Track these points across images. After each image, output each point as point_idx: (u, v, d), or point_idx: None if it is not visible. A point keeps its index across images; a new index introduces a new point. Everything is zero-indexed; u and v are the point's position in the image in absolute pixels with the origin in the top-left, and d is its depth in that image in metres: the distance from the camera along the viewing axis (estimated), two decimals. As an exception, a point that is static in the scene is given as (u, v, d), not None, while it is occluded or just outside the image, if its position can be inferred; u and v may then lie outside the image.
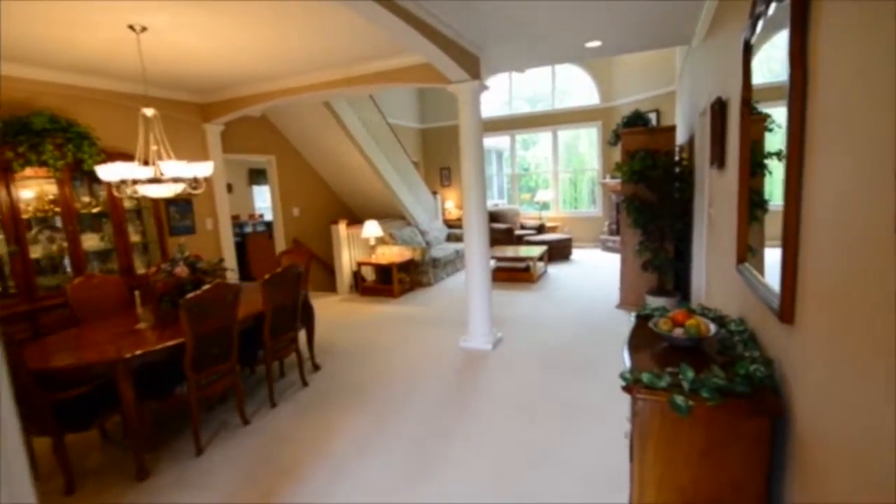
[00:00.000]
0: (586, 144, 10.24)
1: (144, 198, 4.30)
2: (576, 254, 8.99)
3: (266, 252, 7.17)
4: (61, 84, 3.94)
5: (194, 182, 3.41)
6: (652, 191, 4.85)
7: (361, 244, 6.96)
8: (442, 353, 4.38)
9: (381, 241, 6.93)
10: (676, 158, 4.98)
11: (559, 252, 8.56)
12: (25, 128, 3.40)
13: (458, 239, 8.52)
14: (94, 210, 3.93)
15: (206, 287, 2.84)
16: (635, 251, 5.07)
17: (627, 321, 5.06)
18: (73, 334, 2.96)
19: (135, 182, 3.07)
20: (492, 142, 11.02)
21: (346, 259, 6.59)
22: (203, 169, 3.36)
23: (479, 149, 4.29)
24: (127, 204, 4.15)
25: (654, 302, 4.96)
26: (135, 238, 4.24)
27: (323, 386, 3.78)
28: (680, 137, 5.36)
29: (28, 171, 3.48)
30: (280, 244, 6.61)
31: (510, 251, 7.45)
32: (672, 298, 4.76)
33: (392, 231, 7.08)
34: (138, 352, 2.67)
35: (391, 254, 6.75)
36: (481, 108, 4.25)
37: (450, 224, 9.58)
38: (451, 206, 10.38)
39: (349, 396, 3.60)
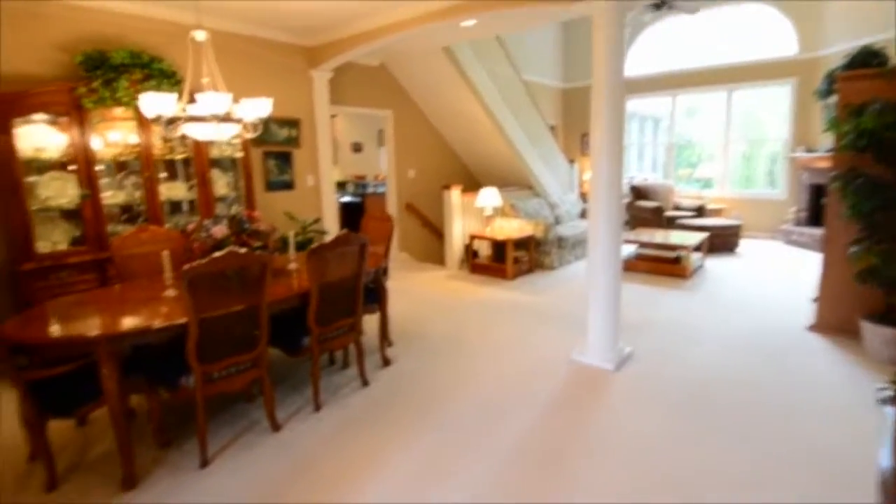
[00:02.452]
0: (771, 108, 7.16)
1: (237, 147, 3.71)
2: (744, 245, 6.40)
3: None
4: (148, 18, 3.44)
5: (250, 126, 2.53)
6: (888, 164, 2.62)
7: (478, 214, 5.72)
8: (547, 365, 2.98)
9: (499, 211, 5.59)
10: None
11: (722, 242, 6.12)
12: (104, 62, 2.93)
13: (595, 216, 6.69)
14: (178, 157, 3.43)
15: (215, 255, 1.94)
16: (848, 253, 2.88)
17: (827, 352, 3.10)
18: (93, 296, 2.38)
19: (171, 121, 2.28)
20: (647, 106, 8.58)
21: (458, 230, 5.44)
22: (254, 107, 2.44)
23: (616, 95, 2.73)
24: (215, 152, 3.58)
25: (877, 333, 2.86)
26: (223, 191, 3.69)
27: (386, 389, 2.73)
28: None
29: (116, 111, 3.04)
30: (392, 208, 5.76)
31: (658, 236, 5.44)
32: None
33: (514, 202, 5.66)
34: (128, 330, 1.91)
35: (509, 228, 5.38)
36: (631, 61, 2.72)
37: (587, 198, 7.71)
38: (590, 177, 8.43)
39: (414, 409, 2.52)
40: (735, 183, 7.67)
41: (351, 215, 6.78)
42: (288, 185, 4.43)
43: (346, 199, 7.20)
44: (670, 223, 6.76)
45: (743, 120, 7.57)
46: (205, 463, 2.06)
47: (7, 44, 2.90)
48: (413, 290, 4.67)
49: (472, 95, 5.25)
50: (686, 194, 7.76)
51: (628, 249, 5.27)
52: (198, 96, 2.27)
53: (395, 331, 3.52)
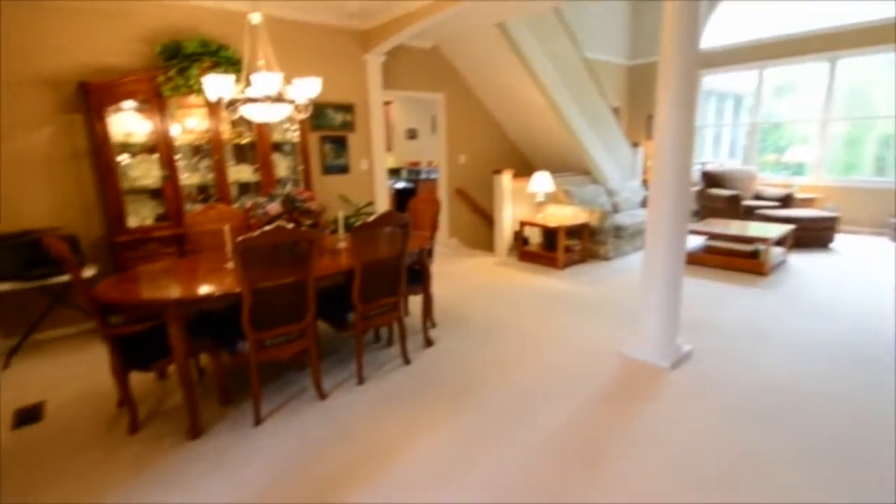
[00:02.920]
0: (884, 81, 6.18)
1: (296, 132, 3.95)
2: (840, 241, 5.71)
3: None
4: (216, 8, 3.70)
5: (302, 106, 2.69)
6: None
7: (530, 200, 5.63)
8: (594, 358, 2.90)
9: (552, 198, 5.46)
10: None
11: (813, 236, 5.50)
12: (179, 52, 3.24)
13: (659, 204, 6.30)
14: (246, 140, 3.72)
15: (266, 228, 2.11)
16: None
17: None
18: (167, 265, 2.67)
19: (231, 104, 2.49)
20: (727, 82, 7.82)
21: (508, 216, 5.39)
22: (304, 87, 2.59)
23: (688, 68, 2.51)
24: (277, 137, 3.84)
25: None
26: (284, 173, 3.95)
27: (427, 369, 2.82)
28: None
29: (191, 98, 3.36)
30: (442, 194, 5.82)
31: (733, 227, 5.02)
32: None
33: (568, 187, 5.50)
34: (189, 296, 2.14)
35: (562, 215, 5.23)
36: (710, 30, 2.33)
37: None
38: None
39: (453, 391, 2.57)
40: (833, 169, 6.81)
41: (404, 200, 6.95)
42: (343, 169, 4.65)
43: (400, 185, 7.39)
44: (748, 213, 6.20)
45: (847, 95, 6.64)
46: (258, 421, 2.29)
47: (101, 39, 3.29)
48: (460, 275, 4.73)
49: (528, 76, 5.12)
50: (770, 182, 7.04)
51: (695, 241, 4.92)
52: (252, 77, 2.45)
53: (440, 314, 3.61)
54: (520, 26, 4.88)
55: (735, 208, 6.22)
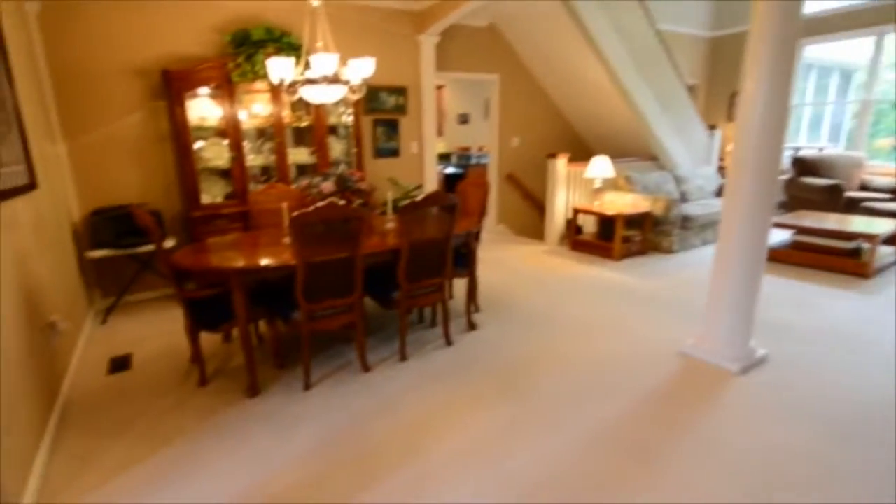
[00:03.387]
0: None
1: (350, 115, 4.13)
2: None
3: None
4: None
5: (356, 87, 2.82)
6: None
7: (585, 186, 5.44)
8: (650, 355, 2.81)
9: (611, 184, 5.24)
10: None
11: (934, 234, 4.80)
12: (246, 39, 3.50)
13: (736, 193, 5.82)
14: (304, 123, 3.96)
15: (318, 205, 2.27)
16: None
17: None
18: (233, 238, 2.95)
19: (291, 85, 2.67)
20: (833, 52, 6.93)
21: (561, 202, 5.26)
22: (359, 68, 2.71)
23: (785, 35, 2.25)
24: (332, 120, 4.04)
25: None
26: (338, 156, 4.16)
27: (470, 352, 2.90)
28: None
29: (258, 84, 3.64)
30: (492, 179, 5.79)
31: (830, 220, 4.53)
32: None
33: (630, 173, 5.24)
34: (249, 266, 2.37)
35: (621, 203, 5.02)
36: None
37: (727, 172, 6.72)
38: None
39: (496, 375, 2.63)
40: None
41: (453, 185, 7.01)
42: (394, 152, 4.80)
43: (450, 169, 7.45)
44: (851, 206, 5.57)
45: None
46: (308, 387, 2.50)
47: (180, 30, 3.64)
48: (507, 262, 4.72)
49: (591, 53, 4.89)
50: (881, 170, 6.21)
51: (778, 235, 4.51)
52: (311, 58, 2.61)
53: (485, 299, 3.66)
54: None
55: (834, 200, 5.61)
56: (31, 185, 2.50)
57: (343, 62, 2.72)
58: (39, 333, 2.22)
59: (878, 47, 6.17)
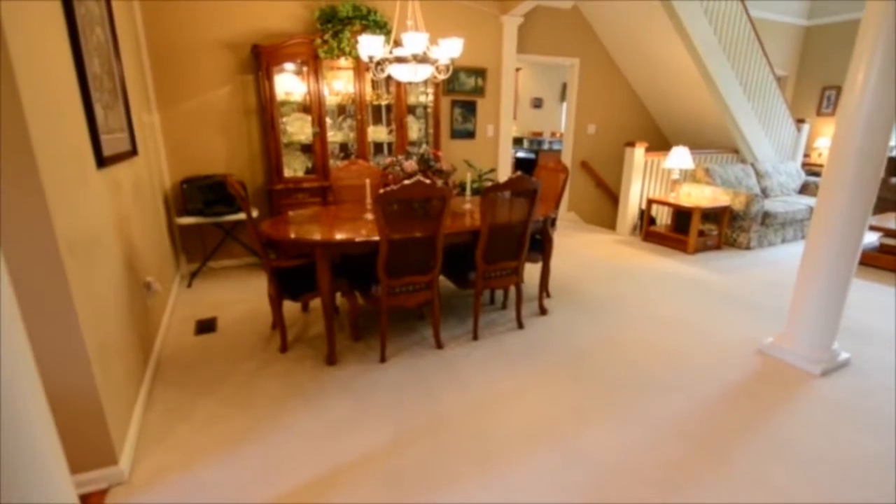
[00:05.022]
0: None
1: (427, 95, 3.94)
2: None
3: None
4: None
5: (443, 67, 2.61)
6: None
7: (661, 177, 4.98)
8: (727, 351, 2.52)
9: (688, 176, 4.76)
10: None
11: None
12: (334, 16, 3.37)
13: (824, 193, 5.14)
14: (384, 102, 3.81)
15: (405, 183, 2.10)
16: None
17: None
18: (317, 211, 2.86)
19: (378, 63, 2.51)
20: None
21: (636, 192, 4.84)
22: (447, 48, 2.50)
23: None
24: (412, 100, 3.86)
25: None
26: (415, 136, 3.99)
27: (539, 336, 2.69)
28: None
29: (342, 61, 3.52)
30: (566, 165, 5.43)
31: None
32: None
33: (710, 166, 4.73)
34: (336, 239, 2.26)
35: (699, 195, 4.54)
36: None
37: (814, 170, 5.98)
38: (824, 144, 6.46)
39: (566, 360, 2.43)
40: None
41: (523, 170, 6.68)
42: (470, 134, 4.57)
43: (521, 154, 7.13)
44: (954, 211, 4.77)
45: None
46: (383, 359, 2.40)
47: (268, 5, 3.56)
48: (578, 250, 4.42)
49: (679, 39, 4.41)
50: None
51: (867, 237, 3.92)
52: (403, 36, 2.43)
53: (555, 286, 3.42)
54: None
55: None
56: (132, 152, 2.52)
57: (431, 41, 2.52)
58: (137, 291, 2.24)
59: None
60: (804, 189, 5.38)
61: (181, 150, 3.59)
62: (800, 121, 5.65)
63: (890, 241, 3.96)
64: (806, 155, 6.11)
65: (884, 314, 3.03)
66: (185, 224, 3.42)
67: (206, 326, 2.84)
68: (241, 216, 3.37)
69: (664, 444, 1.81)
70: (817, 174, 5.94)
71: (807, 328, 2.37)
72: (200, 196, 3.42)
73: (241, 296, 3.29)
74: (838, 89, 6.36)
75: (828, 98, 6.52)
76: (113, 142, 2.11)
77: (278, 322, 2.50)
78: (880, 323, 2.90)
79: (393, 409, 2.01)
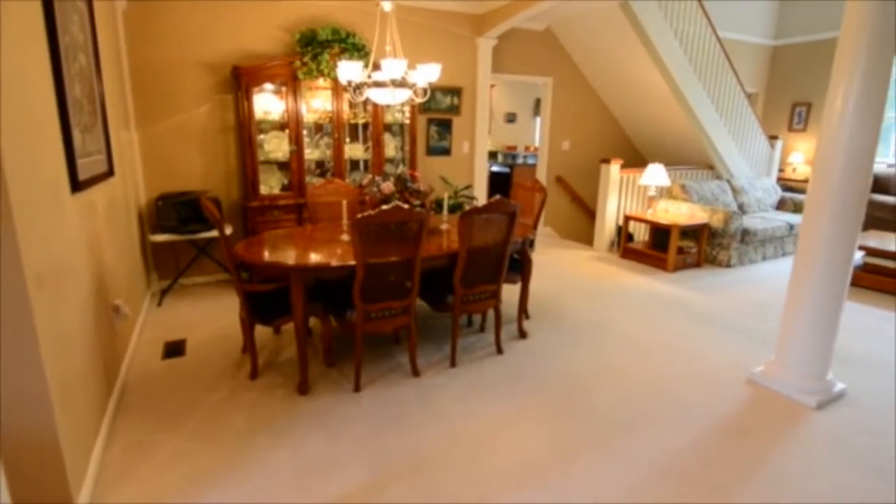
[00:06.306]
0: None
1: (404, 114, 3.98)
2: None
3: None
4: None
5: (420, 91, 2.65)
6: None
7: (638, 193, 5.10)
8: (716, 379, 2.53)
9: (665, 192, 4.88)
10: None
11: None
12: (313, 39, 3.39)
13: (800, 209, 5.32)
14: (361, 121, 3.83)
15: (384, 207, 2.11)
16: None
17: None
18: (292, 232, 2.84)
19: (357, 87, 2.53)
20: None
21: (612, 208, 4.93)
22: (425, 72, 2.53)
23: (882, 40, 1.99)
24: (388, 118, 3.89)
25: None
26: (392, 153, 4.02)
27: (520, 361, 2.69)
28: None
29: (320, 81, 3.53)
30: (541, 180, 5.50)
31: (902, 242, 4.04)
32: None
33: (686, 182, 4.86)
34: (313, 264, 2.25)
35: (676, 212, 4.65)
36: None
37: (789, 186, 6.20)
38: (797, 159, 6.71)
39: (549, 390, 2.41)
40: None
41: (498, 185, 6.78)
42: (445, 151, 4.62)
43: (495, 168, 7.22)
44: (921, 227, 4.98)
45: None
46: (358, 388, 2.36)
47: (251, 28, 3.59)
48: (554, 266, 4.47)
49: (650, 59, 4.56)
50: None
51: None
52: (382, 62, 2.46)
53: (533, 304, 3.43)
54: (647, 4, 4.33)
55: (904, 220, 5.03)
56: (109, 173, 2.47)
57: (407, 64, 2.56)
58: (105, 316, 2.18)
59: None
60: (781, 205, 5.55)
61: (158, 167, 3.55)
62: (773, 137, 5.87)
63: (873, 261, 4.03)
64: (780, 170, 6.33)
65: (875, 338, 3.04)
66: (159, 241, 3.36)
67: (174, 349, 2.77)
68: (216, 233, 3.33)
69: (658, 486, 1.76)
70: (793, 189, 6.15)
71: (799, 356, 2.34)
72: (175, 213, 3.36)
73: (212, 315, 3.23)
74: (808, 105, 6.64)
75: (798, 114, 6.79)
76: (90, 165, 2.06)
77: (249, 346, 2.45)
78: (873, 348, 2.90)
79: (369, 447, 1.95)
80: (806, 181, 6.35)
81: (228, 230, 3.44)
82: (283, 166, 3.72)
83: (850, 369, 2.59)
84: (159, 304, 3.42)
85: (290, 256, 2.37)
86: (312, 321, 2.94)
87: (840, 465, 1.89)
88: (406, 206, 2.20)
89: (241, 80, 3.35)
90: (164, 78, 3.43)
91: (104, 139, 2.40)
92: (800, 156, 6.74)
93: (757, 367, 2.55)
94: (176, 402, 2.24)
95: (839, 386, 2.38)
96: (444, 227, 2.93)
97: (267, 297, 2.47)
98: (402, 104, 3.74)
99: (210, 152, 3.68)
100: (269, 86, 3.54)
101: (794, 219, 4.93)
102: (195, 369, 2.54)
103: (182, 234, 3.34)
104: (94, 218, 2.15)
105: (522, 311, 3.04)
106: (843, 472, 1.85)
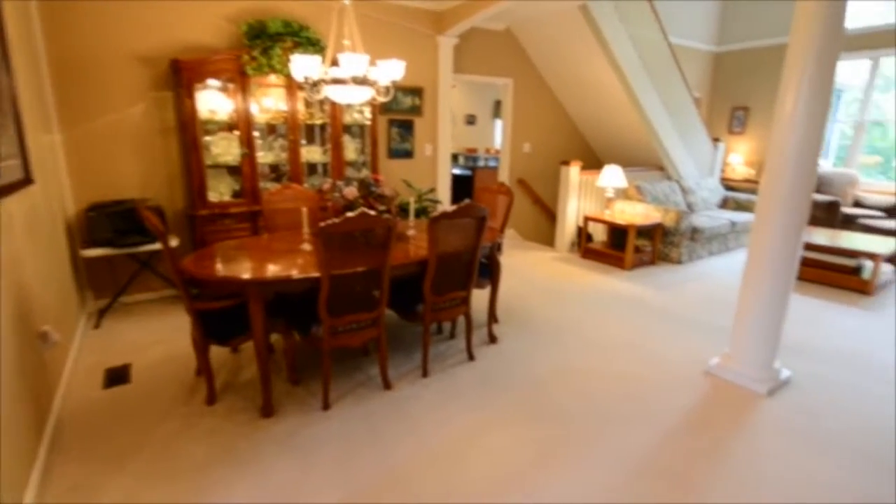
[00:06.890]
0: None
1: (364, 114, 3.87)
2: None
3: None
4: None
5: (383, 89, 2.57)
6: None
7: (596, 195, 5.28)
8: (676, 373, 2.65)
9: (622, 193, 5.08)
10: None
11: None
12: (263, 31, 3.20)
13: (741, 207, 5.74)
14: (319, 121, 3.68)
15: (348, 216, 2.02)
16: None
17: None
18: (247, 242, 2.67)
19: (315, 84, 2.41)
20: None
21: (573, 210, 5.08)
22: (387, 70, 2.46)
23: (828, 40, 2.13)
24: (347, 119, 3.77)
25: None
26: (352, 156, 3.89)
27: (491, 367, 2.69)
28: None
29: (272, 78, 3.34)
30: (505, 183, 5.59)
31: (831, 237, 4.45)
32: None
33: (640, 184, 5.09)
34: (272, 277, 2.12)
35: (632, 212, 4.86)
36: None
37: (730, 185, 6.65)
38: (737, 160, 7.22)
39: (521, 395, 2.42)
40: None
41: (460, 187, 6.78)
42: (408, 154, 4.55)
43: (457, 171, 7.22)
44: (848, 223, 5.52)
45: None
46: (326, 406, 2.25)
47: (192, 17, 3.32)
48: (519, 268, 4.53)
49: (607, 62, 4.73)
50: (873, 188, 6.20)
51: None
52: (340, 56, 2.35)
53: (500, 306, 3.44)
54: (604, 6, 4.48)
55: (832, 217, 5.54)
56: (26, 181, 2.19)
57: (369, 61, 2.47)
58: (30, 346, 1.93)
59: (873, 69, 6.16)
60: (724, 204, 5.97)
61: (87, 174, 3.21)
62: (716, 139, 6.29)
63: (808, 254, 4.35)
64: (723, 171, 6.79)
65: (812, 327, 3.30)
66: (93, 256, 3.03)
67: (117, 376, 2.52)
68: (160, 246, 3.06)
69: (632, 484, 1.81)
70: (734, 189, 6.62)
71: (750, 347, 2.51)
72: (110, 224, 3.06)
73: (160, 335, 2.98)
74: (746, 109, 7.17)
75: (737, 118, 7.31)
76: (2, 171, 1.82)
77: (204, 368, 2.27)
78: (808, 335, 3.16)
79: (342, 468, 1.86)
80: (745, 181, 6.86)
81: (174, 242, 3.20)
82: (233, 171, 3.49)
83: (792, 357, 2.81)
84: (97, 327, 3.11)
85: (245, 269, 2.21)
86: (274, 337, 2.78)
87: (791, 448, 2.05)
88: (372, 212, 2.13)
89: (181, 75, 3.09)
90: (91, 74, 3.10)
91: (17, 142, 2.12)
92: (739, 157, 7.26)
93: (713, 359, 2.71)
94: (122, 437, 2.03)
95: (785, 373, 2.60)
96: (410, 232, 2.87)
97: (222, 315, 2.30)
98: (363, 104, 3.63)
99: (148, 156, 3.39)
100: (213, 82, 3.29)
101: (737, 216, 5.30)
102: (143, 397, 2.32)
103: (119, 247, 3.05)
104: (11, 232, 1.89)
105: (492, 315, 3.04)
106: (796, 455, 2.00)
